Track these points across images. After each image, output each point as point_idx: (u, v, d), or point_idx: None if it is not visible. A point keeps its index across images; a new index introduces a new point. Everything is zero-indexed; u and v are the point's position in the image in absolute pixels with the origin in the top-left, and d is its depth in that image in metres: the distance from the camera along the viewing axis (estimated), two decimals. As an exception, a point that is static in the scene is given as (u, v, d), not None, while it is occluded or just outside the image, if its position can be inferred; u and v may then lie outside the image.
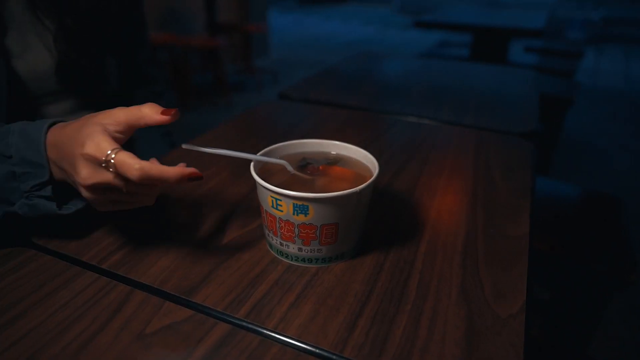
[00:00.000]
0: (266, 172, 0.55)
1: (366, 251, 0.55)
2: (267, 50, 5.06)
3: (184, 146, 0.46)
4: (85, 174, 0.43)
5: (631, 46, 6.08)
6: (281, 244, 0.51)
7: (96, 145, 0.42)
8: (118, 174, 0.42)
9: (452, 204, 0.66)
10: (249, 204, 0.64)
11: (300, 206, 0.47)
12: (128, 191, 0.44)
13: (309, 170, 0.54)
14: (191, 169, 0.44)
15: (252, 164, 0.52)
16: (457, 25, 3.13)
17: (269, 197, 0.48)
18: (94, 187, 0.44)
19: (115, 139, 0.44)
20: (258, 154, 0.54)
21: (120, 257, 0.52)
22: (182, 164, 0.47)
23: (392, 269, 0.51)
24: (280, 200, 0.47)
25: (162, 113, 0.44)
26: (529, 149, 0.87)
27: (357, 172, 0.56)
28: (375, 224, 0.60)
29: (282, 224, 0.49)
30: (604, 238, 1.17)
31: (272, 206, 0.49)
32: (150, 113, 0.45)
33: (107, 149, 0.42)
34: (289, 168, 0.53)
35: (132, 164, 0.41)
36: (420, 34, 6.45)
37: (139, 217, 0.59)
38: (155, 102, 0.96)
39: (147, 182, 0.42)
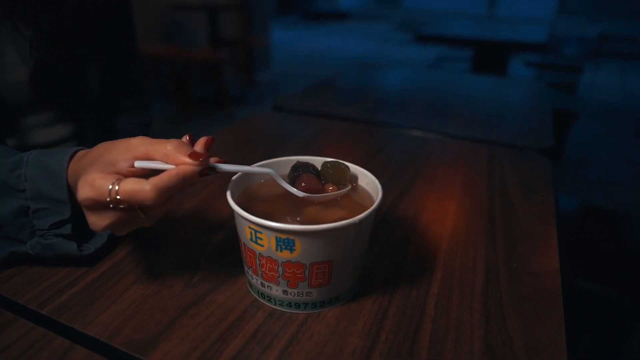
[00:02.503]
0: (250, 196, 0.46)
1: (366, 293, 0.45)
2: (269, 64, 5.03)
3: (136, 164, 0.37)
4: (92, 222, 0.38)
5: (627, 62, 6.07)
6: (262, 285, 0.42)
7: (90, 186, 0.35)
8: (130, 207, 0.36)
9: (466, 232, 0.57)
10: (229, 231, 0.55)
11: (285, 240, 0.38)
12: (149, 215, 0.38)
13: (303, 183, 0.44)
14: (199, 152, 0.37)
15: (229, 185, 0.43)
16: (459, 39, 3.07)
17: (246, 228, 0.39)
18: (106, 227, 0.39)
19: (128, 174, 0.37)
20: (234, 178, 0.45)
21: (67, 299, 0.43)
22: (184, 147, 0.38)
23: (399, 316, 0.42)
24: (260, 232, 0.38)
25: (190, 156, 0.36)
26: (548, 165, 0.78)
27: (355, 197, 0.47)
28: (376, 258, 0.51)
29: (263, 262, 0.40)
30: (624, 261, 1.07)
31: (251, 239, 0.40)
32: (174, 152, 0.37)
33: (105, 186, 0.35)
34: (278, 179, 0.43)
35: (141, 189, 0.34)
36: (419, 50, 6.45)
37: (93, 252, 0.50)
38: (141, 114, 0.88)
39: (168, 196, 0.36)
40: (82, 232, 0.47)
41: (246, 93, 4.34)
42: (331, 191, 0.45)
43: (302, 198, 0.43)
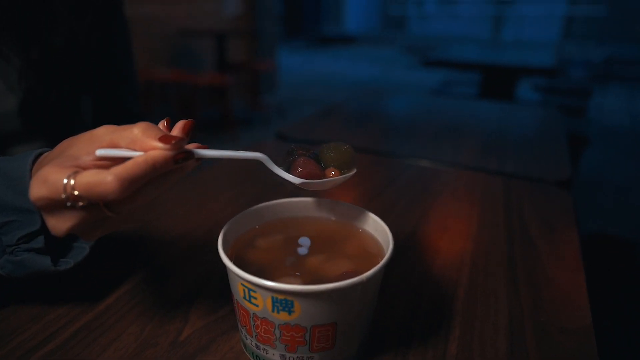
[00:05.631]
0: (245, 244, 0.41)
1: (374, 354, 0.40)
2: (275, 88, 5.08)
3: (98, 152, 0.32)
4: (52, 225, 0.32)
5: (634, 85, 6.03)
6: (257, 347, 0.37)
7: (42, 183, 0.30)
8: (92, 204, 0.30)
9: (485, 278, 0.52)
10: (225, 278, 0.50)
11: (282, 301, 0.33)
12: (118, 213, 0.32)
13: (299, 167, 0.38)
14: (171, 135, 0.32)
15: (222, 231, 0.39)
16: (467, 64, 3.07)
17: (239, 284, 0.35)
18: (70, 231, 0.33)
19: (93, 168, 0.31)
20: (227, 224, 0.40)
21: (39, 359, 0.38)
22: (154, 129, 0.32)
23: (413, 386, 0.36)
24: (255, 291, 0.34)
25: (161, 140, 0.31)
26: (568, 201, 0.73)
27: (362, 245, 0.42)
28: (385, 311, 0.46)
29: (258, 322, 0.35)
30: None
31: (244, 297, 0.35)
32: (142, 137, 0.31)
33: (59, 180, 0.30)
34: (270, 165, 0.37)
35: (102, 181, 0.29)
36: (426, 73, 6.49)
37: (75, 299, 0.45)
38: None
39: (136, 188, 0.30)
40: (60, 244, 0.42)
41: (252, 116, 4.36)
42: (333, 176, 0.39)
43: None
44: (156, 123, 0.35)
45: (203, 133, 3.67)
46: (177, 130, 0.34)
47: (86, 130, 0.76)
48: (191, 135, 0.35)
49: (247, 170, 0.84)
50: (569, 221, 0.66)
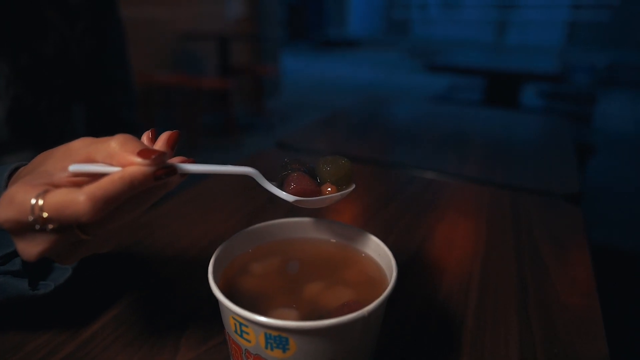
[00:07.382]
0: (238, 269, 0.39)
1: (377, 392, 0.37)
2: (279, 92, 5.07)
3: (71, 168, 0.29)
4: (21, 249, 0.29)
5: (638, 91, 5.98)
6: (250, 383, 0.34)
7: (9, 203, 0.27)
8: (62, 227, 0.28)
9: (494, 303, 0.49)
10: (216, 304, 0.48)
11: (276, 338, 0.30)
12: (93, 235, 0.29)
13: (293, 183, 0.35)
14: (152, 149, 0.29)
15: (212, 258, 0.36)
16: (472, 69, 3.04)
17: (230, 318, 0.32)
18: (42, 255, 0.30)
19: (68, 185, 0.29)
20: (219, 249, 0.38)
21: (16, 394, 0.36)
22: (132, 143, 0.30)
23: None
24: (246, 326, 0.31)
25: (140, 154, 0.28)
26: (579, 217, 0.70)
27: (363, 271, 0.39)
28: (387, 340, 0.43)
29: (251, 359, 0.33)
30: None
31: (236, 332, 0.32)
32: (120, 151, 0.29)
33: (27, 200, 0.27)
34: (261, 181, 0.35)
35: (72, 201, 0.26)
36: (429, 78, 6.47)
37: (58, 326, 0.43)
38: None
39: (111, 207, 0.28)
40: (40, 266, 0.40)
41: (255, 121, 4.35)
42: (329, 193, 0.36)
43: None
44: (157, 129, 0.33)
45: (206, 138, 3.66)
46: (160, 143, 0.32)
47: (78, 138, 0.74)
48: (176, 147, 0.33)
49: (245, 182, 0.81)
50: (580, 239, 0.63)
